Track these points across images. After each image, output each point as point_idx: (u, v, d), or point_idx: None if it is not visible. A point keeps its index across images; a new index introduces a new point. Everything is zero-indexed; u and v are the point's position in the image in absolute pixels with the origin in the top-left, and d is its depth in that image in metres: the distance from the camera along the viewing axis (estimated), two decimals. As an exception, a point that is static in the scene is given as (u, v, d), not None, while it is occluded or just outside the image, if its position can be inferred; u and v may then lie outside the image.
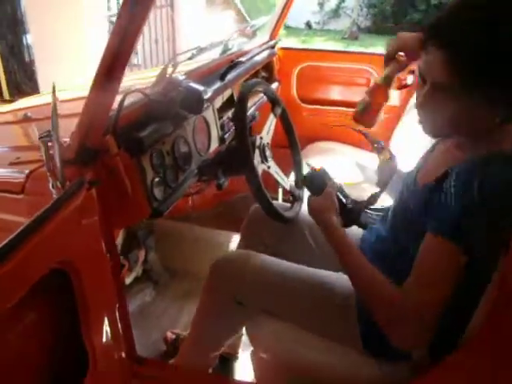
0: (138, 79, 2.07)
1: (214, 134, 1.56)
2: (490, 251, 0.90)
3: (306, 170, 1.35)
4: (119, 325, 1.06)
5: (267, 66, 2.37)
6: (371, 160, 2.23)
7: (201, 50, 1.49)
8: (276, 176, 1.45)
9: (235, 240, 1.97)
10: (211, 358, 1.34)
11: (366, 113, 1.34)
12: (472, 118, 0.92)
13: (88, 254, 0.92)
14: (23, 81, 4.11)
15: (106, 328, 0.99)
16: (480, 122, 0.92)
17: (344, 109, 2.59)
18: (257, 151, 1.37)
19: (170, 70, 1.33)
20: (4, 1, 3.94)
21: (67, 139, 0.96)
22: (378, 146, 1.42)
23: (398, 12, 9.74)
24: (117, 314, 1.04)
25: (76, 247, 0.87)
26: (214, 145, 1.56)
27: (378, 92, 1.31)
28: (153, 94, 1.20)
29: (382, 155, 1.40)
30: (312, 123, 2.59)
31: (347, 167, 2.17)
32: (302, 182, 1.32)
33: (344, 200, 1.25)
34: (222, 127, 1.64)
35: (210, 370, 1.39)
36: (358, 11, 10.00)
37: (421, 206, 1.00)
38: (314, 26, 10.34)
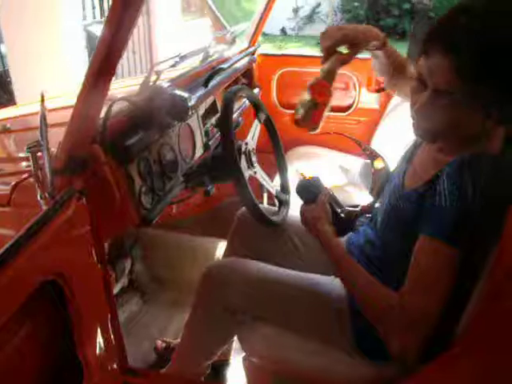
0: (116, 89, 2.06)
1: (199, 141, 1.56)
2: (482, 247, 0.92)
3: (296, 179, 1.36)
4: (112, 336, 1.05)
5: (247, 73, 2.38)
6: (354, 163, 2.26)
7: (183, 58, 1.49)
8: (262, 181, 1.46)
9: (222, 246, 1.97)
10: (203, 366, 1.33)
11: (310, 114, 1.23)
12: (468, 122, 0.93)
13: (80, 264, 0.91)
14: (-2, 92, 4.05)
15: (100, 339, 0.98)
16: (475, 125, 0.94)
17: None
18: (243, 157, 1.38)
19: (153, 77, 1.34)
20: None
21: (53, 149, 0.95)
22: (372, 154, 1.41)
23: (371, 17, 9.88)
24: (109, 325, 1.03)
25: (68, 258, 0.86)
26: (199, 152, 1.56)
27: (322, 89, 1.22)
28: (138, 102, 1.20)
29: (375, 162, 1.39)
30: (293, 128, 2.60)
31: (330, 170, 2.20)
32: (295, 190, 1.29)
33: (337, 209, 1.25)
34: (206, 134, 1.64)
35: (202, 379, 1.38)
36: (333, 16, 10.12)
37: (412, 209, 1.01)
38: (288, 32, 10.40)
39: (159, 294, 1.96)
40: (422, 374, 0.94)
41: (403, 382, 0.99)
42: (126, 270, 1.87)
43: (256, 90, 2.40)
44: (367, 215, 1.31)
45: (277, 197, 1.52)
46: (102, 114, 1.00)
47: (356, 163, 2.18)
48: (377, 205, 1.28)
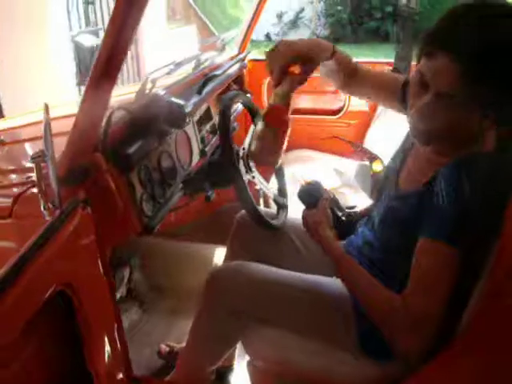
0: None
1: (195, 147, 1.57)
2: (482, 246, 0.93)
3: (291, 182, 1.37)
4: (118, 345, 1.05)
5: (238, 79, 2.39)
6: (348, 165, 2.28)
7: (177, 65, 1.50)
8: (261, 185, 1.47)
9: (219, 252, 1.97)
10: (208, 372, 1.33)
11: (269, 146, 1.10)
12: (467, 123, 0.94)
13: (87, 273, 0.91)
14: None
15: (108, 349, 0.97)
16: (473, 126, 0.95)
17: (315, 117, 2.64)
18: (241, 162, 1.38)
19: (148, 85, 1.34)
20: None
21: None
22: (370, 156, 1.43)
23: (354, 20, 9.98)
24: (116, 334, 1.03)
25: (76, 268, 0.86)
26: (196, 158, 1.56)
27: (280, 116, 1.09)
28: (136, 110, 1.20)
29: (374, 165, 1.40)
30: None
31: (325, 173, 2.21)
32: (297, 195, 1.28)
33: (338, 212, 1.26)
34: (202, 141, 1.64)
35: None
36: (316, 21, 10.20)
37: (409, 210, 1.02)
38: (273, 37, 10.45)
39: (158, 302, 1.96)
40: (425, 372, 0.95)
41: (406, 382, 1.00)
42: (125, 279, 1.86)
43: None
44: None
45: (275, 201, 1.53)
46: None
47: (350, 166, 2.20)
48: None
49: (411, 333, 0.92)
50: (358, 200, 1.88)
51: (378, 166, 1.39)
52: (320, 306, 1.18)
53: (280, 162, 1.16)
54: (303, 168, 2.21)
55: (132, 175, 1.11)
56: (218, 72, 1.81)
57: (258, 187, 1.50)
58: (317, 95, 2.68)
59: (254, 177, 1.43)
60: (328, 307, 1.18)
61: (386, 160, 1.31)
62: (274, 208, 1.57)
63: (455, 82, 0.87)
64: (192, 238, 2.01)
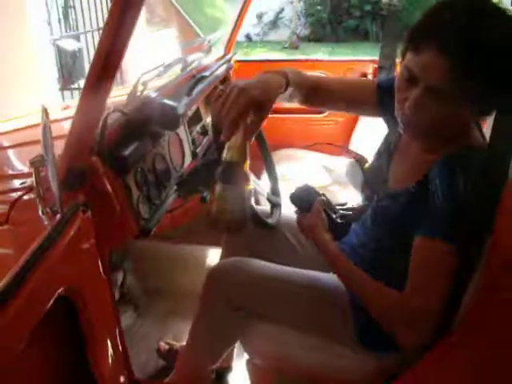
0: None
1: (187, 149, 1.57)
2: (477, 239, 0.94)
3: (282, 182, 1.36)
4: (120, 348, 1.04)
5: (224, 79, 2.39)
6: (337, 163, 2.30)
7: (167, 67, 1.50)
8: (254, 185, 1.47)
9: (212, 253, 1.97)
10: (208, 371, 1.33)
11: (234, 207, 0.96)
12: (457, 117, 0.95)
13: (89, 277, 0.90)
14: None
15: (110, 352, 0.97)
16: (461, 120, 0.97)
17: (302, 115, 2.66)
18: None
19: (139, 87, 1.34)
20: None
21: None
22: (362, 158, 1.43)
23: (334, 19, 10.04)
24: (117, 337, 1.03)
25: (78, 272, 0.86)
26: (188, 160, 1.56)
27: (240, 172, 0.96)
28: (130, 112, 1.20)
29: (366, 165, 1.40)
30: (272, 132, 2.63)
31: (314, 171, 2.23)
32: (289, 200, 1.27)
33: (332, 214, 1.25)
34: (194, 142, 1.64)
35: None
36: (296, 21, 10.24)
37: (401, 209, 1.04)
38: (253, 38, 10.46)
39: (152, 305, 1.95)
40: (421, 365, 0.96)
41: (404, 373, 1.01)
42: (118, 283, 1.85)
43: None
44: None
45: (268, 199, 1.54)
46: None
47: (340, 163, 2.22)
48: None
49: (413, 329, 0.94)
50: (349, 196, 1.90)
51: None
52: (318, 300, 1.20)
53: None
54: (292, 166, 2.22)
55: (128, 178, 1.11)
56: (206, 73, 1.81)
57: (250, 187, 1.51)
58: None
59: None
60: (326, 302, 1.20)
61: (371, 157, 1.32)
62: (264, 207, 1.58)
63: (444, 76, 0.88)
64: (187, 240, 2.01)
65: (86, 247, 0.90)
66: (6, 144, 1.63)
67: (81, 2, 4.22)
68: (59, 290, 0.78)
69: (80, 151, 0.94)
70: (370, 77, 2.45)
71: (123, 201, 1.07)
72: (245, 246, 1.44)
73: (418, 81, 0.93)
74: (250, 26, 10.11)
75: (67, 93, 3.92)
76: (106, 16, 4.16)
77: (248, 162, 0.98)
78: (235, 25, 2.39)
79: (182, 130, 1.54)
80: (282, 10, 10.39)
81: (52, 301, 0.75)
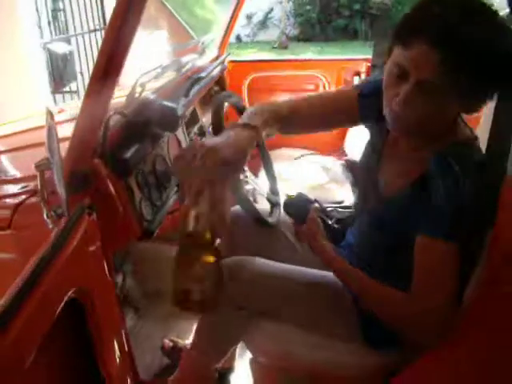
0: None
1: (185, 150, 1.57)
2: (478, 234, 0.96)
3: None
4: (126, 348, 1.04)
5: (219, 80, 2.40)
6: (334, 162, 2.31)
7: (164, 68, 1.50)
8: (254, 185, 1.48)
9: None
10: (212, 370, 1.33)
11: (211, 285, 0.83)
12: (446, 112, 0.96)
13: (96, 279, 0.91)
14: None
15: (117, 353, 0.97)
16: (451, 115, 0.97)
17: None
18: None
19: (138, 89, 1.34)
20: None
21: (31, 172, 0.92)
22: (352, 162, 1.42)
23: (323, 19, 10.08)
24: (123, 338, 1.03)
25: (86, 274, 0.86)
26: (187, 161, 1.56)
27: (211, 244, 0.81)
28: (130, 114, 1.20)
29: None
30: (267, 132, 2.64)
31: (312, 170, 2.23)
32: (283, 210, 1.25)
33: (329, 221, 1.25)
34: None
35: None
36: (286, 21, 10.26)
37: (401, 212, 1.03)
38: (244, 38, 10.47)
39: (153, 307, 1.94)
40: (422, 360, 0.97)
41: (405, 369, 1.02)
42: (118, 285, 1.84)
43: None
44: None
45: (268, 199, 1.54)
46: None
47: (336, 163, 2.23)
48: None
49: (427, 329, 0.95)
50: (346, 194, 1.91)
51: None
52: (321, 298, 1.20)
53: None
54: (289, 166, 2.23)
55: (130, 180, 1.12)
56: (202, 74, 1.81)
57: (250, 187, 1.51)
58: (296, 93, 2.71)
59: (246, 176, 1.44)
60: (329, 299, 1.20)
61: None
62: (263, 206, 1.58)
63: (435, 70, 0.88)
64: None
65: (92, 249, 0.90)
66: (4, 148, 1.62)
67: (71, 5, 4.20)
68: (69, 293, 0.78)
69: (83, 154, 0.94)
70: (363, 75, 2.46)
71: (126, 203, 1.07)
72: (244, 245, 1.44)
73: (409, 76, 0.92)
74: (239, 26, 10.12)
75: (59, 96, 3.91)
76: (96, 18, 4.13)
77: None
78: (228, 26, 2.40)
79: (180, 132, 1.55)
80: (272, 10, 10.41)
81: (63, 303, 0.75)
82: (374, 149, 1.18)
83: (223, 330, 1.24)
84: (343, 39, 9.83)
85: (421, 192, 0.98)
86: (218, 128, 1.29)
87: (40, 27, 4.01)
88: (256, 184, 1.50)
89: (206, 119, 1.97)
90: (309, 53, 8.89)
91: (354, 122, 1.25)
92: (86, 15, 4.28)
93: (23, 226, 1.02)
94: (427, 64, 0.89)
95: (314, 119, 1.22)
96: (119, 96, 1.41)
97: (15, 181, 1.17)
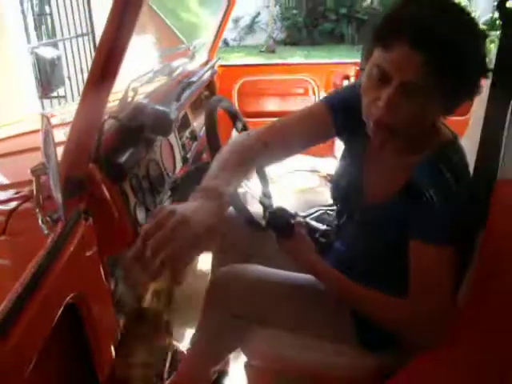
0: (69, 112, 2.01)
1: (178, 154, 1.57)
2: (472, 234, 0.98)
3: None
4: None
5: (209, 84, 2.41)
6: (324, 164, 2.32)
7: (156, 73, 1.50)
8: (246, 188, 1.48)
9: (202, 257, 1.97)
10: (211, 373, 1.33)
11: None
12: (428, 114, 0.94)
13: (93, 285, 0.90)
14: None
15: (114, 358, 0.97)
16: (432, 117, 0.97)
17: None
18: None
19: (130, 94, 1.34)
20: None
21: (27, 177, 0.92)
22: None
23: (309, 23, 10.15)
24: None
25: (83, 279, 0.85)
26: (179, 165, 1.57)
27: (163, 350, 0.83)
28: (123, 118, 1.20)
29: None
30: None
31: (302, 173, 2.25)
32: (267, 227, 1.18)
33: (315, 234, 1.23)
34: (184, 147, 1.65)
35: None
36: (273, 25, 10.30)
37: (390, 220, 1.02)
38: (230, 42, 10.49)
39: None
40: (416, 361, 0.97)
41: (399, 371, 1.02)
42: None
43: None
44: None
45: (261, 202, 1.55)
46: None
47: (327, 165, 2.24)
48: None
49: (429, 331, 0.95)
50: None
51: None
52: (317, 302, 1.20)
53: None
54: (279, 169, 2.24)
55: (125, 184, 1.12)
56: (194, 79, 1.82)
57: (242, 190, 1.52)
58: (285, 97, 2.73)
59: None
60: (324, 303, 1.20)
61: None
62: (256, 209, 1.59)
63: (418, 71, 0.86)
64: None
65: (89, 255, 0.90)
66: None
67: (58, 9, 4.17)
68: (67, 298, 0.78)
69: (79, 158, 0.94)
70: (352, 79, 2.48)
71: (121, 207, 1.07)
72: (238, 247, 1.44)
73: (391, 78, 0.90)
74: (226, 30, 10.13)
75: (46, 101, 3.88)
76: (83, 23, 4.09)
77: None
78: (218, 31, 2.41)
79: (172, 136, 1.55)
80: (258, 14, 10.47)
81: (61, 309, 0.75)
82: (355, 158, 1.16)
83: (220, 337, 1.24)
84: (330, 43, 9.91)
85: (410, 198, 0.98)
86: (211, 132, 1.29)
87: (27, 32, 3.98)
88: (248, 187, 1.50)
89: (196, 123, 1.97)
90: (296, 56, 8.94)
91: (331, 137, 1.22)
92: (74, 20, 4.25)
93: (18, 231, 1.01)
94: (410, 65, 0.87)
95: (288, 147, 1.18)
96: (111, 100, 1.41)
97: (8, 186, 1.16)
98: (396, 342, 1.08)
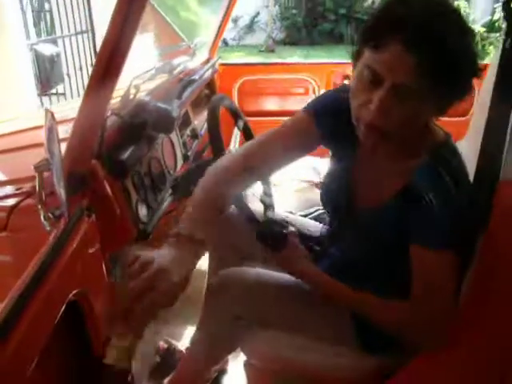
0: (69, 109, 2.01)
1: (179, 152, 1.57)
2: (473, 237, 0.97)
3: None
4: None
5: (209, 83, 2.40)
6: (325, 164, 2.31)
7: (158, 70, 1.50)
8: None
9: (203, 257, 1.96)
10: (212, 372, 1.34)
11: None
12: (421, 116, 0.93)
13: (95, 282, 0.90)
14: None
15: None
16: (425, 119, 0.95)
17: (285, 118, 2.68)
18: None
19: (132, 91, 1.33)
20: None
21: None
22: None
23: (309, 23, 10.15)
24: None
25: (86, 276, 0.85)
26: (180, 163, 1.57)
27: None
28: (126, 115, 1.20)
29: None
30: (257, 135, 2.65)
31: (303, 172, 2.24)
32: (258, 240, 1.13)
33: (308, 241, 1.20)
34: (184, 145, 1.65)
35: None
36: (272, 25, 10.30)
37: (386, 225, 1.01)
38: (230, 42, 10.47)
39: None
40: (416, 362, 0.97)
41: (399, 371, 1.02)
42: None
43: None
44: None
45: (262, 201, 1.55)
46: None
47: (327, 165, 2.23)
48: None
49: (433, 333, 0.95)
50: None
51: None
52: (316, 303, 1.20)
53: None
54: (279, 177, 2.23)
55: (127, 181, 1.11)
56: (195, 77, 1.82)
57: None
58: (286, 97, 2.73)
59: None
60: (324, 304, 1.20)
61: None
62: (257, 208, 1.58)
63: (411, 72, 0.84)
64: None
65: (92, 251, 0.89)
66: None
67: (57, 6, 4.16)
68: (70, 296, 0.77)
69: (82, 154, 0.93)
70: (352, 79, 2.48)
71: (123, 204, 1.07)
72: (238, 246, 1.44)
73: (383, 80, 0.86)
74: (225, 30, 10.13)
75: (45, 99, 3.87)
76: (83, 20, 4.08)
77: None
78: (218, 29, 2.40)
79: (173, 134, 1.54)
80: (258, 13, 10.45)
81: (64, 306, 0.75)
82: (345, 163, 1.13)
83: (221, 338, 1.24)
84: (329, 43, 9.90)
85: (409, 203, 0.96)
86: (214, 131, 1.29)
87: (26, 28, 3.96)
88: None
89: (197, 121, 1.97)
90: (295, 56, 8.94)
91: (317, 146, 1.18)
92: (74, 17, 4.24)
93: (19, 228, 1.00)
94: (403, 66, 0.84)
95: (273, 166, 1.18)
96: (113, 97, 1.41)
97: (8, 183, 1.15)
98: (396, 343, 1.07)
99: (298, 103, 2.73)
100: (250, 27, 10.54)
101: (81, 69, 4.28)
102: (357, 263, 1.12)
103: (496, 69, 1.01)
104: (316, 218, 1.54)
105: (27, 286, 0.68)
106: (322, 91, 2.61)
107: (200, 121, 2.00)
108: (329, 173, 1.21)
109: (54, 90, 3.86)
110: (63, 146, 0.93)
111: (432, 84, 0.85)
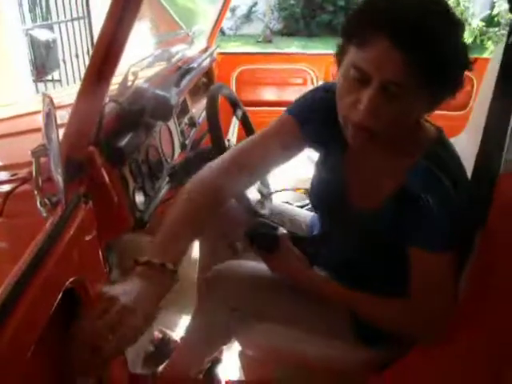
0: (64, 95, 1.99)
1: (176, 140, 1.56)
2: (471, 234, 0.97)
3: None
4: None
5: (207, 72, 2.38)
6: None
7: (156, 57, 1.49)
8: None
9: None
10: (205, 362, 1.34)
11: None
12: (412, 114, 0.90)
13: (92, 270, 0.89)
14: None
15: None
16: (416, 117, 0.93)
17: (281, 109, 2.66)
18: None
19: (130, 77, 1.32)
20: None
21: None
22: None
23: (307, 14, 10.09)
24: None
25: (83, 264, 0.84)
26: (178, 151, 1.56)
27: None
28: (124, 102, 1.18)
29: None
30: (260, 124, 2.63)
31: (298, 162, 2.23)
32: (249, 245, 1.12)
33: (301, 243, 1.16)
34: (182, 133, 1.64)
35: (201, 376, 1.39)
36: (270, 15, 10.23)
37: (381, 226, 1.00)
38: (227, 31, 10.40)
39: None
40: (411, 354, 0.98)
41: (397, 363, 1.03)
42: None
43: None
44: None
45: (259, 191, 1.54)
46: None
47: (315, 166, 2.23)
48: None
49: (433, 329, 0.96)
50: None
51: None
52: (313, 296, 1.20)
53: None
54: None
55: (124, 169, 1.10)
56: (193, 65, 1.80)
57: None
58: (284, 87, 2.71)
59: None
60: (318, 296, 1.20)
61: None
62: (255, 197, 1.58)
63: (400, 69, 0.80)
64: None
65: (88, 239, 0.89)
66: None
67: (54, -9, 4.11)
68: (67, 283, 0.77)
69: (79, 141, 0.92)
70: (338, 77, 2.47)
71: (120, 192, 1.06)
72: (236, 236, 1.42)
73: (370, 78, 0.83)
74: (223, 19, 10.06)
75: (41, 85, 3.83)
76: (79, 6, 4.02)
77: None
78: (217, 18, 2.38)
79: (171, 122, 1.53)
80: (256, 3, 10.37)
81: (60, 294, 0.74)
82: (334, 164, 1.09)
83: (216, 329, 1.24)
84: (327, 34, 9.84)
85: (405, 203, 0.95)
86: (213, 119, 1.28)
87: (21, 13, 3.91)
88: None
89: (195, 110, 1.95)
90: (292, 47, 8.90)
91: (303, 149, 1.14)
92: (70, 2, 4.19)
93: (15, 214, 0.99)
94: (391, 63, 0.80)
95: (258, 174, 1.16)
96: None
97: (5, 168, 1.14)
98: (393, 335, 1.08)
99: (296, 94, 2.69)
100: (248, 17, 10.46)
101: (77, 56, 4.23)
102: (352, 264, 1.11)
103: (497, 64, 1.00)
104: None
105: (24, 272, 0.67)
106: (321, 82, 2.60)
107: (198, 109, 1.99)
108: (317, 175, 1.17)
109: (49, 77, 3.82)
110: (61, 132, 0.93)
111: (422, 80, 0.82)
